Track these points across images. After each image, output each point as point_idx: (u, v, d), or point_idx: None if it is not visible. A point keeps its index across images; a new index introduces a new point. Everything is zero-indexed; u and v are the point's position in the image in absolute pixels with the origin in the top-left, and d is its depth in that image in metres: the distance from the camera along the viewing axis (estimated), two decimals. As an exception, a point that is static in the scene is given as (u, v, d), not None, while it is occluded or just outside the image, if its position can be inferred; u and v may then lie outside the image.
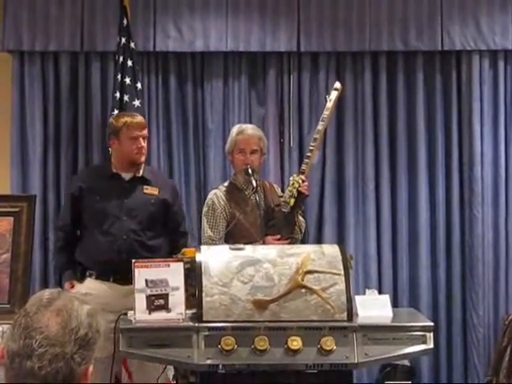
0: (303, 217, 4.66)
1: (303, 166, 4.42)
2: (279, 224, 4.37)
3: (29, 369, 1.72)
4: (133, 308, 3.47)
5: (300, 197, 4.37)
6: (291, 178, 4.41)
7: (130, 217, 4.42)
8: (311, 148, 4.41)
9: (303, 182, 4.35)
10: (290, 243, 4.36)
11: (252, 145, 4.51)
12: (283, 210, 4.36)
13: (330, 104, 4.44)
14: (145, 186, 4.49)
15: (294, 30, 5.70)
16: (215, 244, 4.34)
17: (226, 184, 4.64)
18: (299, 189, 4.33)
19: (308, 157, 4.42)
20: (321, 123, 4.43)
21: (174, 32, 5.68)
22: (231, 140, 4.59)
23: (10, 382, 1.76)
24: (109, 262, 4.37)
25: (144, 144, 4.46)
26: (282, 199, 4.42)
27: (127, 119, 4.49)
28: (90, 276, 4.42)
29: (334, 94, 4.47)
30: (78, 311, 1.82)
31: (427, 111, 5.83)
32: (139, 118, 4.56)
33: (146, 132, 4.51)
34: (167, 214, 4.55)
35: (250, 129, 4.64)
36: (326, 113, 4.43)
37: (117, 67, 5.49)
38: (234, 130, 4.65)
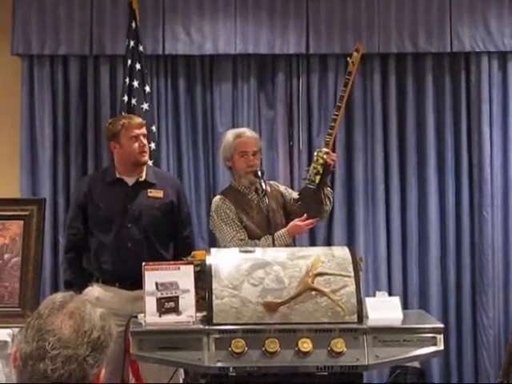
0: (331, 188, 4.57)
1: (327, 138, 4.31)
2: (306, 202, 4.31)
3: (42, 371, 1.72)
4: (142, 311, 3.47)
5: (326, 172, 4.29)
6: (315, 154, 4.31)
7: (134, 224, 4.37)
8: (334, 117, 4.29)
9: (328, 154, 4.28)
10: (317, 222, 4.39)
11: (253, 146, 4.46)
12: (309, 186, 4.29)
13: (352, 67, 4.28)
14: (149, 190, 4.43)
15: (303, 32, 5.70)
16: (246, 243, 4.25)
17: (226, 190, 4.57)
18: (326, 159, 4.25)
19: (332, 127, 4.30)
20: (343, 89, 4.30)
21: (182, 35, 5.68)
22: (229, 145, 4.46)
23: (23, 384, 1.76)
24: (115, 270, 4.36)
25: (146, 142, 4.43)
26: (307, 177, 4.34)
27: (124, 121, 4.45)
28: (97, 281, 4.40)
29: (355, 56, 4.32)
30: (91, 314, 1.83)
31: (436, 113, 5.83)
32: (136, 118, 4.53)
33: (145, 130, 4.46)
34: (173, 218, 4.50)
35: (247, 131, 4.58)
36: (348, 77, 4.29)
37: (125, 70, 5.50)
38: (230, 135, 4.52)
